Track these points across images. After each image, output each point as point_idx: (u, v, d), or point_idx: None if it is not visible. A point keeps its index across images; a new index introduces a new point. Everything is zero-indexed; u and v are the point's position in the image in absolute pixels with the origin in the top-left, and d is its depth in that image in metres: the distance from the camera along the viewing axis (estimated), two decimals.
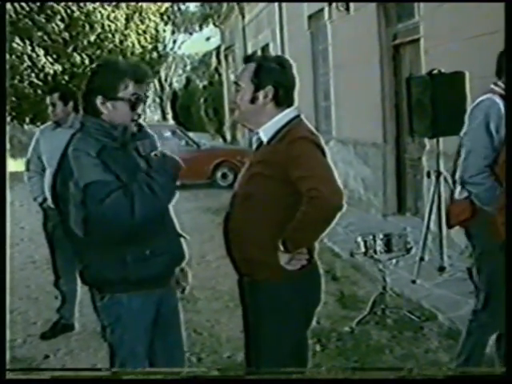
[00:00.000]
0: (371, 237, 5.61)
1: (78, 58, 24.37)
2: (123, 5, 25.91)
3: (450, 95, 6.02)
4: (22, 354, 5.34)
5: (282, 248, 3.02)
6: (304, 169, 2.99)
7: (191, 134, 17.72)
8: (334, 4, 11.49)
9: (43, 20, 23.60)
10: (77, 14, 24.22)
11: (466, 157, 3.83)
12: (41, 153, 5.51)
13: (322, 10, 12.45)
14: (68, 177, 3.00)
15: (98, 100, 3.05)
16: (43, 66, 23.73)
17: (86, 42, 24.74)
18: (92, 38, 24.89)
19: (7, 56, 22.81)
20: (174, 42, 38.16)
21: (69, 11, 23.98)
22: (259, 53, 19.12)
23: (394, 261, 5.81)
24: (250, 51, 20.38)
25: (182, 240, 3.39)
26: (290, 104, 3.24)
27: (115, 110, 3.06)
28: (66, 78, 23.90)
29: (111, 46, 25.38)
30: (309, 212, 2.95)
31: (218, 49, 28.25)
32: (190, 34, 39.40)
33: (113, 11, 25.29)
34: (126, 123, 3.10)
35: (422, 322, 5.57)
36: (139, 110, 3.12)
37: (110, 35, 25.33)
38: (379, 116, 9.96)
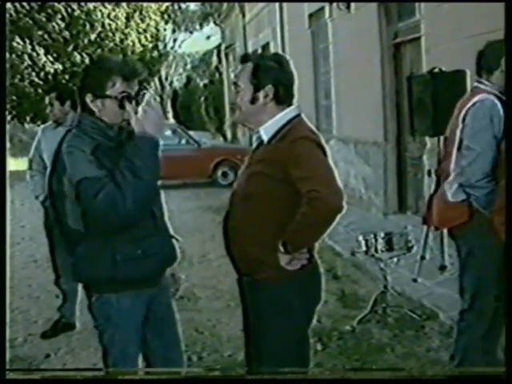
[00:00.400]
0: (372, 236, 5.61)
1: (78, 57, 24.39)
2: (123, 3, 25.93)
3: (451, 94, 6.00)
4: (24, 352, 5.33)
5: (282, 249, 3.02)
6: (304, 169, 2.98)
7: (192, 133, 17.71)
8: (334, 3, 11.49)
9: (43, 19, 23.63)
10: (77, 12, 24.25)
11: (473, 160, 3.73)
12: (42, 152, 5.52)
13: (322, 8, 12.44)
14: (62, 173, 2.99)
15: (88, 98, 3.03)
16: (44, 65, 23.75)
17: (86, 41, 24.76)
18: (92, 37, 24.92)
19: (7, 55, 22.83)
20: (175, 40, 38.22)
21: (69, 10, 24.00)
22: (259, 51, 19.12)
23: (395, 259, 5.80)
24: (250, 50, 20.36)
25: (175, 241, 3.41)
26: (290, 102, 3.22)
27: (104, 108, 3.03)
28: (67, 77, 23.93)
29: (112, 44, 25.40)
30: (308, 213, 2.94)
31: (218, 47, 28.24)
32: (191, 32, 39.44)
33: (113, 10, 25.30)
34: (117, 122, 3.07)
35: (423, 320, 5.57)
36: (129, 108, 3.02)
37: (110, 34, 25.36)
38: (380, 115, 9.95)
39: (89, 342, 5.36)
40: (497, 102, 3.73)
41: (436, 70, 6.17)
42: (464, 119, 3.84)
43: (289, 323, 3.23)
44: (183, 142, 16.79)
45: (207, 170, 15.70)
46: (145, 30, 26.97)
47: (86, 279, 3.18)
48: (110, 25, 25.22)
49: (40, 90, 23.57)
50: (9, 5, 22.93)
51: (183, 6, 36.49)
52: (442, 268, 6.46)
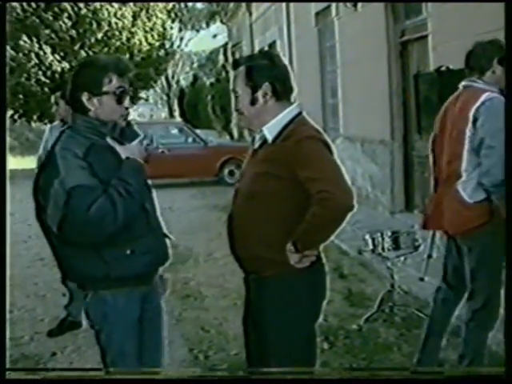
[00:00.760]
0: (379, 234, 5.60)
1: (85, 56, 24.40)
2: (130, 2, 25.93)
3: None
4: (30, 351, 5.34)
5: (292, 249, 3.02)
6: (313, 170, 2.99)
7: (198, 131, 17.72)
8: (341, 1, 11.47)
9: (50, 18, 23.67)
10: (84, 11, 24.28)
11: (499, 159, 3.65)
12: None
13: (329, 7, 12.44)
14: (54, 174, 2.97)
15: (84, 97, 3.05)
16: (50, 64, 23.80)
17: (93, 40, 24.79)
18: (99, 36, 24.95)
19: (14, 54, 22.89)
20: (181, 39, 38.21)
21: (76, 9, 24.02)
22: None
23: (401, 258, 5.79)
24: (257, 48, 20.36)
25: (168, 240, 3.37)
26: (289, 96, 3.26)
27: (102, 106, 3.06)
28: None
29: (118, 43, 25.42)
30: (320, 214, 2.96)
31: (225, 46, 28.22)
32: (197, 31, 39.43)
33: (120, 9, 25.32)
34: (114, 119, 3.12)
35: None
36: (126, 104, 3.13)
37: (117, 33, 25.38)
38: (387, 113, 9.94)
39: (95, 341, 5.37)
40: (502, 99, 3.73)
41: (443, 68, 6.17)
42: (476, 118, 3.82)
43: (297, 319, 3.23)
44: (190, 140, 16.80)
45: (214, 169, 15.69)
46: (151, 29, 26.98)
47: (81, 278, 3.19)
48: (116, 23, 25.24)
49: (47, 89, 23.62)
50: (16, 4, 23.00)
51: (190, 4, 36.52)
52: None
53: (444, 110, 4.17)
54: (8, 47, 23.05)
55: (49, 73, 24.13)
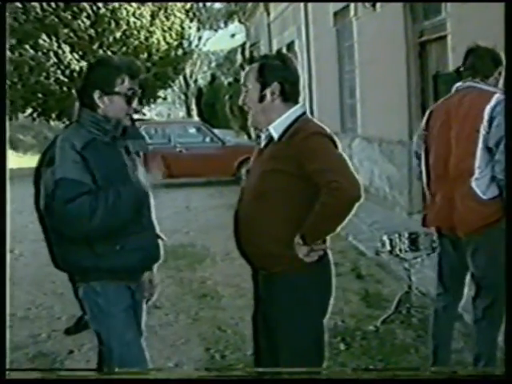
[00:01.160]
0: (397, 235, 5.58)
1: (118, 57, 24.49)
2: (149, 2, 26.00)
3: None
4: (47, 348, 5.36)
5: (301, 241, 3.06)
6: (321, 162, 3.05)
7: (216, 131, 17.73)
8: (360, 1, 11.44)
9: (69, 17, 23.77)
10: (103, 11, 24.35)
11: None
12: None
13: (347, 6, 12.41)
14: (49, 163, 3.11)
15: (96, 94, 3.17)
16: (69, 63, 23.90)
17: (111, 39, 24.88)
18: (117, 35, 25.03)
19: (34, 53, 23.00)
20: (199, 38, 38.28)
21: (95, 8, 24.12)
22: (284, 50, 19.11)
23: (419, 259, 5.76)
24: (275, 48, 20.36)
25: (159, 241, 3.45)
26: (296, 99, 3.30)
27: (112, 104, 3.18)
28: None
29: (136, 42, 25.50)
30: (330, 203, 3.01)
31: (243, 45, 28.25)
32: (215, 30, 39.52)
33: (138, 8, 25.39)
34: (120, 117, 3.22)
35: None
36: (135, 105, 3.25)
37: (135, 32, 25.45)
38: (405, 114, 9.90)
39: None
40: None
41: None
42: (492, 117, 3.87)
43: (306, 315, 3.27)
44: (207, 139, 16.82)
45: (231, 168, 15.69)
46: (170, 28, 27.03)
47: (72, 267, 3.27)
48: (134, 23, 25.31)
49: (65, 88, 23.71)
50: (35, 3, 23.12)
51: (208, 4, 36.59)
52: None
53: (445, 109, 4.18)
54: (27, 46, 23.22)
55: (67, 72, 24.22)
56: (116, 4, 24.55)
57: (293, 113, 3.24)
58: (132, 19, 25.10)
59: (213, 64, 42.84)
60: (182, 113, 45.08)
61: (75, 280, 3.31)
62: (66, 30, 23.79)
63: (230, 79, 29.85)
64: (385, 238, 5.68)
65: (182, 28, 28.30)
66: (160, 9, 26.60)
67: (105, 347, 3.32)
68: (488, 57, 4.15)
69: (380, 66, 10.84)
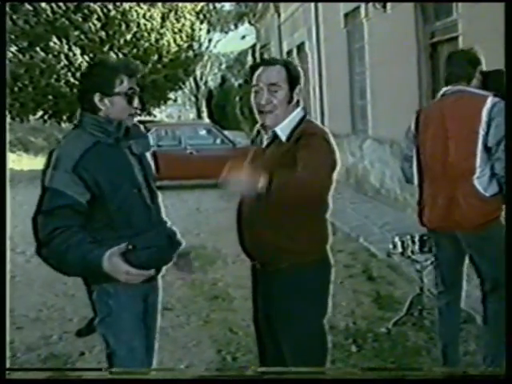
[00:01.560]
0: (408, 237, 5.56)
1: (114, 57, 24.54)
2: (159, 4, 26.02)
3: None
4: (59, 350, 5.37)
5: (265, 178, 2.93)
6: (307, 154, 3.08)
7: (226, 133, 17.73)
8: (370, 2, 11.42)
9: (80, 19, 23.80)
10: (113, 13, 24.39)
11: None
12: None
13: (358, 7, 12.39)
14: (46, 167, 3.12)
15: (96, 97, 3.16)
16: (80, 65, 23.92)
17: (122, 41, 24.90)
18: (128, 37, 25.05)
19: (44, 55, 23.06)
20: (210, 40, 38.34)
21: (105, 10, 24.16)
22: (295, 51, 19.10)
23: (431, 261, 5.74)
24: (285, 50, 20.36)
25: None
26: (299, 102, 3.41)
27: (113, 106, 3.17)
28: None
29: (147, 44, 25.51)
30: (292, 178, 3.00)
31: (253, 47, 28.28)
32: (226, 32, 39.59)
33: (148, 10, 25.41)
34: (123, 118, 3.21)
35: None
36: (135, 104, 3.23)
37: (145, 34, 25.46)
38: None
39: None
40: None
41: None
42: (490, 118, 4.11)
43: (314, 310, 3.35)
44: (218, 141, 16.83)
45: None
46: (180, 30, 27.04)
47: (84, 271, 3.20)
48: (145, 25, 25.33)
49: (76, 90, 23.75)
50: (46, 5, 23.17)
51: (218, 5, 36.62)
52: None
53: (438, 112, 4.37)
54: (38, 49, 23.28)
55: (78, 74, 24.26)
56: (126, 6, 24.58)
57: (297, 115, 3.33)
58: (142, 21, 25.12)
59: (223, 66, 42.90)
60: (192, 114, 45.18)
61: (89, 282, 3.29)
62: (76, 33, 23.83)
63: (241, 81, 29.90)
64: (396, 239, 5.67)
65: (193, 30, 28.31)
66: (170, 11, 26.62)
67: (109, 350, 3.30)
68: (465, 61, 4.37)
69: (391, 68, 10.82)
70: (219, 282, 7.30)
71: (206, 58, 37.58)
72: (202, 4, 29.85)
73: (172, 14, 26.68)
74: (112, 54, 23.91)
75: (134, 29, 25.03)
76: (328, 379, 2.69)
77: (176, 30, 26.79)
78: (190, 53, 28.47)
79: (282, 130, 3.29)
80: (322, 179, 3.10)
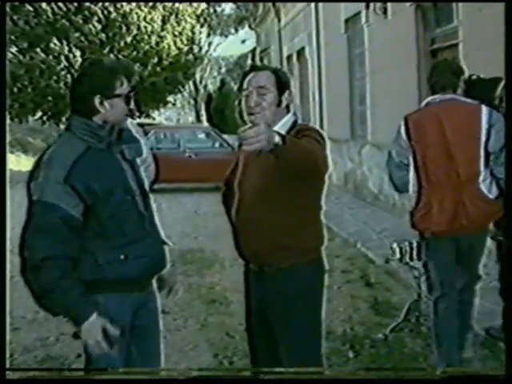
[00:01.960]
0: (407, 243, 5.55)
1: (110, 58, 24.53)
2: (160, 6, 26.06)
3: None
4: (55, 352, 5.36)
5: (279, 136, 2.88)
6: (309, 134, 3.16)
7: (225, 136, 17.74)
8: (371, 8, 11.43)
9: (80, 21, 23.85)
10: (114, 15, 24.43)
11: None
12: None
13: (359, 13, 12.40)
14: (34, 176, 3.01)
15: (97, 100, 3.04)
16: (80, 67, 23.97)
17: (122, 44, 24.94)
18: (128, 40, 25.09)
19: (44, 56, 23.07)
20: (210, 44, 38.29)
21: (106, 12, 24.19)
22: (295, 56, 19.12)
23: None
24: (285, 54, 20.37)
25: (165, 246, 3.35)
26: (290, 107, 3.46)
27: (112, 108, 3.06)
28: None
29: (147, 47, 25.55)
30: (307, 145, 3.04)
31: (253, 51, 28.32)
32: (226, 36, 39.60)
33: (149, 13, 25.45)
34: (120, 120, 3.13)
35: (466, 342, 5.48)
36: (131, 105, 3.14)
37: (146, 37, 25.51)
38: None
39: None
40: None
41: (474, 77, 6.11)
42: (490, 125, 4.36)
43: (314, 309, 3.36)
44: (217, 145, 16.83)
45: None
46: (180, 33, 27.09)
47: (62, 315, 3.14)
48: (145, 27, 25.37)
49: (70, 92, 23.70)
50: (46, 7, 23.20)
51: (219, 9, 36.65)
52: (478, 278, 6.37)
53: (436, 119, 4.51)
54: (38, 50, 23.29)
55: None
56: (127, 8, 24.62)
57: (289, 119, 3.38)
58: (143, 24, 25.16)
59: (223, 69, 42.92)
60: (191, 118, 45.16)
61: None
62: (76, 34, 23.87)
63: None
64: (395, 245, 5.65)
65: (193, 33, 28.36)
66: (171, 14, 26.67)
67: (87, 354, 3.19)
68: (449, 71, 4.62)
69: (391, 74, 10.83)
70: (216, 285, 7.29)
71: (205, 61, 37.56)
72: (202, 7, 29.89)
73: (172, 17, 26.74)
74: (112, 56, 23.93)
75: (135, 31, 25.08)
76: (326, 379, 2.69)
77: (176, 33, 26.84)
78: (190, 56, 28.53)
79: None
80: (324, 158, 3.13)
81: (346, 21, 13.43)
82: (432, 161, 4.52)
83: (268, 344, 3.46)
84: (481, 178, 4.44)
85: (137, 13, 24.95)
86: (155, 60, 25.75)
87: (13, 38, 22.89)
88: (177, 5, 27.04)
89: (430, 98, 4.67)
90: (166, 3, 26.39)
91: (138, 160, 5.14)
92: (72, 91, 3.16)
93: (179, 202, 13.81)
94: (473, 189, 4.44)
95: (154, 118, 30.65)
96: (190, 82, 36.77)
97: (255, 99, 3.33)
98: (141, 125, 13.91)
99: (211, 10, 34.81)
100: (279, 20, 20.93)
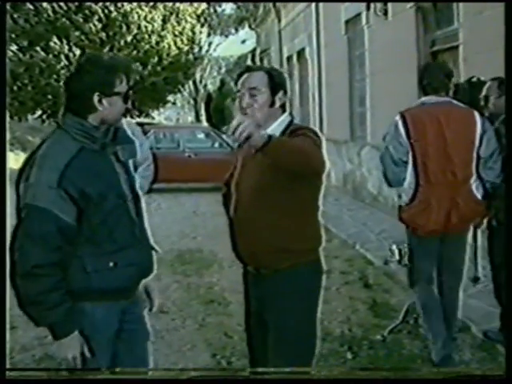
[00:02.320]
0: (406, 245, 5.54)
1: (107, 54, 24.50)
2: (160, 6, 26.05)
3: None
4: (53, 351, 5.34)
5: (266, 136, 2.92)
6: (302, 139, 3.13)
7: (225, 136, 17.73)
8: (371, 9, 11.44)
9: (81, 20, 23.83)
10: (114, 14, 24.42)
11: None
12: None
13: (359, 14, 12.41)
14: (25, 177, 2.92)
15: (95, 98, 2.93)
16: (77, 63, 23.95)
17: (122, 43, 24.93)
18: (128, 39, 25.08)
19: (44, 55, 23.06)
20: (210, 44, 38.31)
21: (106, 11, 24.19)
22: (295, 57, 19.12)
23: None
24: (285, 55, 20.37)
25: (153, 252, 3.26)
26: (286, 108, 3.43)
27: (111, 106, 2.97)
28: None
29: (147, 46, 25.54)
30: (297, 143, 3.07)
31: (253, 52, 28.29)
32: (226, 36, 39.59)
33: (150, 12, 25.44)
34: (118, 118, 3.06)
35: (454, 333, 5.48)
36: (129, 104, 3.05)
37: (146, 36, 25.49)
38: None
39: None
40: None
41: (474, 79, 6.11)
42: (484, 131, 4.64)
43: (310, 311, 3.34)
44: (216, 145, 16.83)
45: None
46: (181, 33, 27.07)
47: (43, 325, 3.04)
48: (146, 27, 25.36)
49: (64, 89, 23.68)
50: (47, 5, 23.19)
51: (219, 9, 36.66)
52: (475, 280, 6.36)
53: (435, 120, 4.66)
54: (38, 48, 23.28)
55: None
56: (128, 8, 24.61)
57: (284, 120, 3.36)
58: (143, 23, 25.15)
59: (223, 69, 42.93)
60: (190, 118, 45.15)
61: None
62: (77, 33, 23.85)
63: None
64: (394, 247, 5.63)
65: (193, 33, 28.34)
66: (171, 13, 26.65)
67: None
68: (442, 73, 4.82)
69: (391, 75, 10.83)
70: (215, 285, 7.29)
71: (205, 61, 37.59)
72: (202, 7, 29.89)
73: (173, 17, 26.73)
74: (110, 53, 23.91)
75: (135, 31, 25.07)
76: (323, 379, 2.69)
77: (176, 32, 26.83)
78: (190, 56, 28.51)
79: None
80: (318, 156, 3.10)
81: (347, 22, 13.43)
82: (431, 160, 4.65)
83: (266, 346, 3.46)
84: (472, 179, 4.67)
85: (137, 12, 24.94)
86: (155, 59, 25.73)
87: (13, 36, 22.87)
88: (177, 4, 27.03)
89: (424, 99, 4.84)
90: (167, 3, 26.38)
91: (137, 160, 5.09)
92: (68, 88, 3.04)
93: (178, 202, 13.80)
94: (466, 189, 4.67)
95: (153, 118, 30.63)
96: (190, 82, 36.77)
97: (247, 100, 3.32)
98: (140, 124, 13.92)
99: (212, 10, 34.83)
100: (279, 20, 20.93)
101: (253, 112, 3.29)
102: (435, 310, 4.93)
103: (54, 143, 2.97)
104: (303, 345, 3.34)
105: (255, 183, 3.27)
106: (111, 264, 2.95)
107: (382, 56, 11.30)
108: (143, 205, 3.24)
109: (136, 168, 5.48)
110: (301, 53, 18.37)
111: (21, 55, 23.32)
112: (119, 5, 24.41)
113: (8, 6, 21.39)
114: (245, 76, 3.38)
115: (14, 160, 21.96)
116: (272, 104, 3.32)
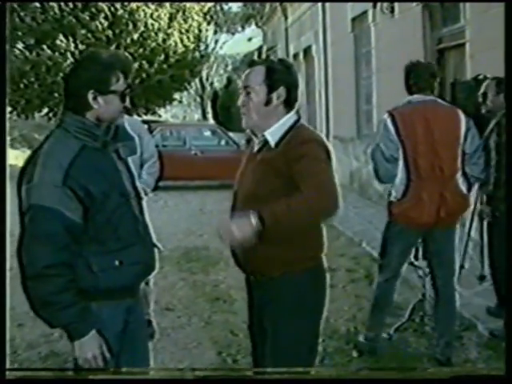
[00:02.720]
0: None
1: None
2: (167, 4, 26.05)
3: None
4: (59, 348, 5.35)
5: (254, 220, 2.86)
6: (306, 166, 3.00)
7: (231, 134, 17.74)
8: (378, 6, 11.42)
9: (87, 18, 23.84)
10: (120, 12, 24.42)
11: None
12: None
13: (365, 12, 12.39)
14: (27, 177, 2.87)
15: (90, 95, 2.88)
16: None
17: (129, 41, 24.92)
18: (135, 37, 25.07)
19: (51, 53, 23.09)
20: (216, 41, 38.35)
21: (113, 9, 24.19)
22: (301, 55, 19.10)
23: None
24: (292, 53, 20.36)
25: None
26: (294, 105, 3.27)
27: (107, 105, 2.92)
28: None
29: (154, 44, 25.52)
30: (301, 204, 2.94)
31: (259, 49, 28.28)
32: (233, 34, 39.62)
33: (156, 10, 25.43)
34: (116, 117, 3.00)
35: (461, 331, 5.48)
36: (126, 102, 2.99)
37: (152, 34, 25.48)
38: None
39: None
40: None
41: (480, 77, 6.10)
42: (468, 129, 4.85)
43: (306, 317, 3.25)
44: (222, 142, 16.84)
45: None
46: (187, 31, 27.05)
47: (58, 326, 3.02)
48: (152, 25, 25.35)
49: (64, 86, 23.70)
50: (53, 3, 23.22)
51: (225, 7, 36.67)
52: (482, 278, 6.36)
53: (423, 117, 4.83)
54: (45, 46, 23.31)
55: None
56: (134, 6, 24.61)
57: (288, 119, 3.21)
58: (150, 21, 25.14)
59: (229, 67, 42.90)
60: (197, 115, 45.17)
61: None
62: (83, 31, 23.86)
63: None
64: None
65: (200, 31, 28.32)
66: (178, 11, 26.64)
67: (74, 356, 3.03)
68: (427, 73, 5.00)
69: (397, 73, 10.79)
70: (221, 283, 7.29)
71: (212, 59, 37.58)
72: (209, 5, 29.87)
73: (179, 15, 26.70)
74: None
75: (141, 28, 25.06)
76: (329, 379, 2.69)
77: (183, 30, 26.81)
78: (197, 53, 28.48)
79: (272, 135, 3.18)
80: (331, 191, 2.97)
81: (353, 19, 13.42)
82: (422, 157, 4.80)
83: (263, 349, 3.41)
84: (458, 174, 4.86)
85: (144, 10, 24.93)
86: (162, 57, 25.72)
87: (20, 34, 22.91)
88: (184, 2, 27.03)
89: (410, 98, 5.03)
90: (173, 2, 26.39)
91: (143, 157, 5.07)
92: (65, 85, 2.99)
93: (184, 200, 13.81)
94: (453, 184, 4.84)
95: (160, 116, 30.61)
96: (197, 80, 36.76)
97: (242, 99, 3.24)
98: (147, 122, 13.92)
99: (218, 8, 34.83)
100: (286, 18, 20.93)
101: (248, 111, 3.21)
102: (385, 307, 5.20)
103: (55, 142, 2.92)
104: (298, 354, 3.24)
105: (250, 191, 3.22)
106: (117, 262, 2.92)
107: (389, 54, 11.28)
108: (144, 202, 3.24)
109: (142, 165, 5.52)
110: (307, 50, 18.36)
111: (27, 53, 23.34)
112: (125, 3, 24.41)
113: (15, 5, 21.46)
114: (246, 72, 3.27)
115: (21, 157, 22.00)
116: (267, 103, 3.18)
